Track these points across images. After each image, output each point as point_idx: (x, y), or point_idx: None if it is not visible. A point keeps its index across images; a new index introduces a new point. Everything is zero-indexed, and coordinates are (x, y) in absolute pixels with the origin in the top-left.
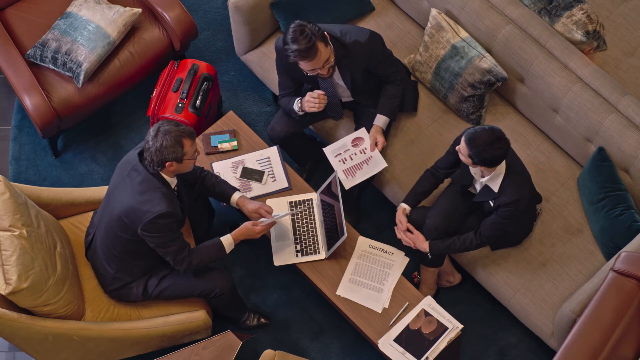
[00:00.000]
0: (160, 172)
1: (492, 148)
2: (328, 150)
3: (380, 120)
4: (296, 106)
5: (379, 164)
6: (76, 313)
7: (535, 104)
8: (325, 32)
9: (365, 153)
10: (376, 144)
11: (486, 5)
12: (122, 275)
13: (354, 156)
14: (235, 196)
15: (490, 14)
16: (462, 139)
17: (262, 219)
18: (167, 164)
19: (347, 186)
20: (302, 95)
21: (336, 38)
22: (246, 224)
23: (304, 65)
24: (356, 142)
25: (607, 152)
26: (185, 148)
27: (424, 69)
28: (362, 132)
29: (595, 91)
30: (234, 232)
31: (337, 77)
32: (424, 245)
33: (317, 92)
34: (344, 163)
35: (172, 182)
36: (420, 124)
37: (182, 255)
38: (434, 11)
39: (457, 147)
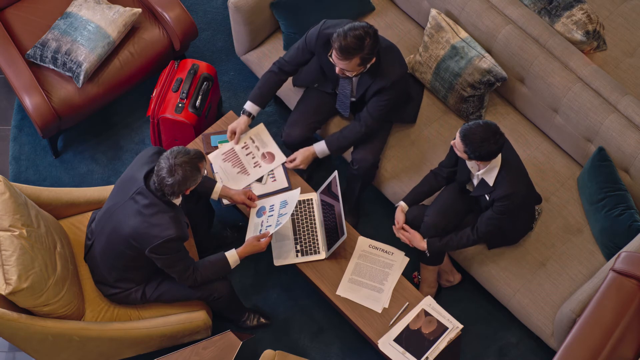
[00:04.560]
0: (169, 199)
1: (487, 144)
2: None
3: (320, 147)
4: (241, 115)
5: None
6: (76, 313)
7: (535, 104)
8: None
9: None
10: (291, 161)
11: (486, 5)
12: (122, 283)
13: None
14: (219, 186)
15: (490, 14)
16: (457, 134)
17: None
18: (186, 191)
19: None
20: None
21: (379, 51)
22: (251, 241)
23: (333, 52)
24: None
25: (607, 152)
26: (202, 171)
27: (424, 69)
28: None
29: (595, 91)
30: (239, 249)
31: (356, 80)
32: (421, 243)
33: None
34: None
35: (178, 200)
36: (420, 124)
37: (188, 273)
38: (433, 11)
39: (452, 142)
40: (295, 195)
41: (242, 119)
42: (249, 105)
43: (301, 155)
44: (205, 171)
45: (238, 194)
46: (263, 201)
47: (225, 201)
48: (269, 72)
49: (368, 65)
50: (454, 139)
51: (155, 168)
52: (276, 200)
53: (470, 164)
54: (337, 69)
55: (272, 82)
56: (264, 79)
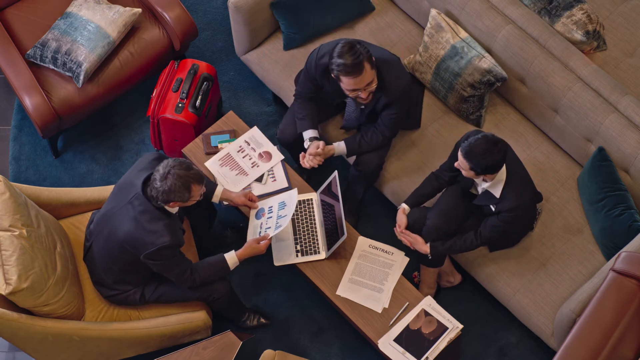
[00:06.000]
0: (164, 206)
1: (491, 154)
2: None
3: (340, 148)
4: (306, 143)
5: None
6: (76, 313)
7: (535, 104)
8: (373, 57)
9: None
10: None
11: (486, 5)
12: (120, 285)
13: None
14: (219, 189)
15: (490, 14)
16: (459, 154)
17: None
18: (171, 203)
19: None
20: (318, 100)
21: (378, 66)
22: (250, 243)
23: (346, 82)
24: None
25: (607, 152)
26: (192, 192)
27: (424, 69)
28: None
29: (595, 91)
30: (239, 252)
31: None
32: (424, 247)
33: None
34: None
35: (174, 209)
36: (421, 124)
37: (185, 276)
38: (433, 11)
39: (455, 164)
40: (293, 196)
41: (315, 143)
42: (308, 134)
43: (323, 147)
44: (201, 192)
45: (238, 196)
46: (261, 203)
47: (225, 202)
48: (296, 100)
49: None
50: (456, 160)
51: (155, 169)
52: (274, 201)
53: (476, 178)
54: (363, 96)
55: (307, 104)
56: (297, 105)
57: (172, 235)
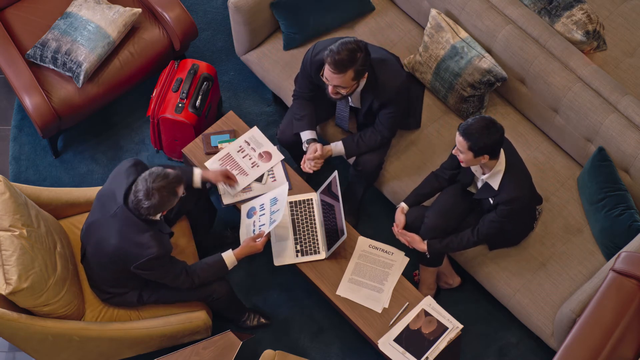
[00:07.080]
0: (149, 217)
1: (488, 131)
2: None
3: (337, 148)
4: (304, 146)
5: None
6: (76, 313)
7: (535, 104)
8: (367, 73)
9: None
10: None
11: (486, 5)
12: (116, 289)
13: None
14: (197, 174)
15: (490, 14)
16: (457, 133)
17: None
18: (163, 212)
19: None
20: (316, 100)
21: (373, 66)
22: (247, 242)
23: (325, 69)
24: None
25: (607, 152)
26: (179, 194)
27: (424, 69)
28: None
29: (595, 91)
30: (236, 251)
31: (356, 100)
32: (421, 245)
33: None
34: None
35: (158, 216)
36: (421, 124)
37: (181, 279)
38: (433, 11)
39: (454, 150)
40: (284, 191)
41: (312, 147)
42: (306, 135)
43: (320, 150)
44: (182, 191)
45: (216, 175)
46: (252, 201)
47: (225, 201)
48: (295, 100)
49: (361, 82)
50: (454, 147)
51: (133, 188)
52: (265, 198)
53: (475, 168)
54: (330, 89)
55: (305, 104)
56: (295, 105)
57: (159, 246)
